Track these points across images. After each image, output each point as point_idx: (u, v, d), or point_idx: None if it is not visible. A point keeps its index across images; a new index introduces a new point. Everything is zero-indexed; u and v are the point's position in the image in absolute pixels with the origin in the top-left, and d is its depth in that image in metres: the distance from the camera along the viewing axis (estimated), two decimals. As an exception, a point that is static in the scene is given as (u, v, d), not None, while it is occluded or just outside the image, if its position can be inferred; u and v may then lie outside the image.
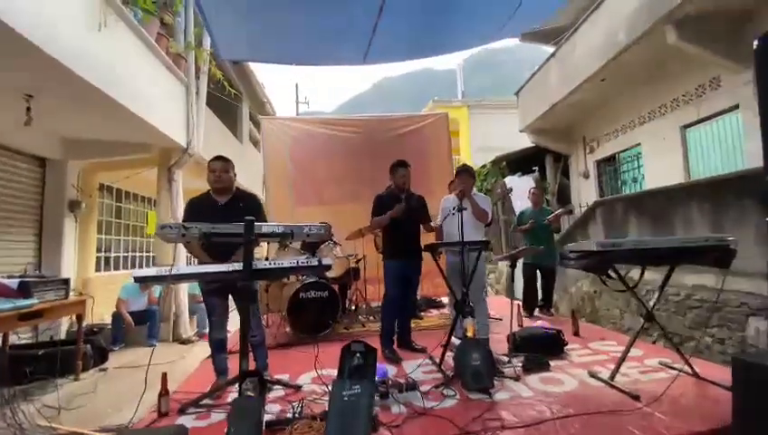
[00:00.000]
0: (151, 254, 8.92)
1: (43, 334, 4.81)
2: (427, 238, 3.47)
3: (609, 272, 2.43)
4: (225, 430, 1.64)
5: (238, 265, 2.13)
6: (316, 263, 2.26)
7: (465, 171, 3.36)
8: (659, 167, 6.74)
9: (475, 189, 3.34)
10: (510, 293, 8.77)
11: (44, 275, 3.95)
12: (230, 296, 2.74)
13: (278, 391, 2.51)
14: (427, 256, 3.21)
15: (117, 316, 5.40)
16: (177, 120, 6.00)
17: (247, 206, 2.64)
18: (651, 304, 2.59)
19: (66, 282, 3.92)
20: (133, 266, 8.10)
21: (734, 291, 3.45)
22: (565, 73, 7.70)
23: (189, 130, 6.23)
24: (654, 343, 4.04)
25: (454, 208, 2.87)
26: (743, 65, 4.93)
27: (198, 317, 6.21)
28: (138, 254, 8.41)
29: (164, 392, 2.25)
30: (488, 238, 3.32)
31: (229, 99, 7.94)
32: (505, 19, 4.55)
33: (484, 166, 11.94)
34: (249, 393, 1.82)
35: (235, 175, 2.77)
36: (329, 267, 2.34)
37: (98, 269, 6.85)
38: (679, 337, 4.00)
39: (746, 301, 3.37)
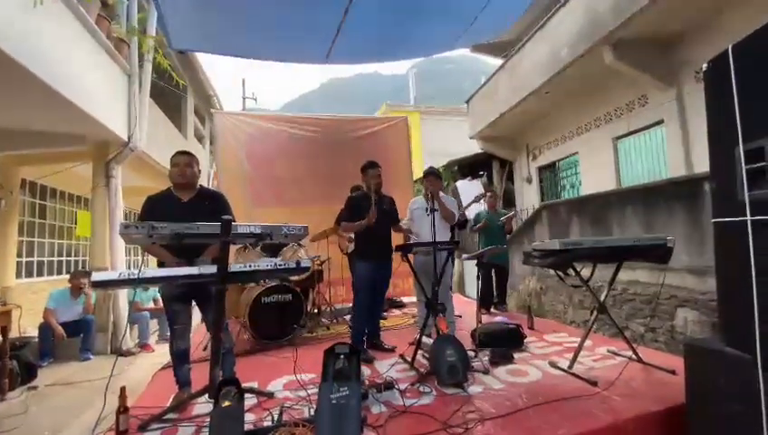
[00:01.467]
0: (80, 258, 8.08)
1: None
2: (396, 239, 3.51)
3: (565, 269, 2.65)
4: (208, 443, 1.55)
5: (211, 268, 2.02)
6: (294, 265, 2.21)
7: (432, 174, 3.46)
8: (594, 174, 7.41)
9: (441, 192, 3.45)
10: (462, 290, 9.12)
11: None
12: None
13: (250, 400, 2.40)
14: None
15: (44, 328, 4.81)
16: (118, 110, 5.52)
17: (214, 205, 2.49)
18: (602, 297, 2.84)
19: (-14, 290, 3.44)
20: (59, 273, 7.28)
21: (665, 285, 3.90)
22: (513, 85, 8.20)
23: (131, 123, 5.75)
24: (595, 332, 4.43)
25: (427, 210, 2.94)
26: (667, 85, 5.60)
27: (139, 327, 5.72)
28: (65, 258, 7.57)
29: (123, 409, 2.04)
30: (458, 239, 3.44)
31: (177, 89, 7.42)
32: (461, 32, 4.77)
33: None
34: (227, 402, 1.73)
35: (199, 171, 2.61)
36: (307, 269, 2.30)
37: (18, 276, 6.07)
38: (616, 328, 4.43)
39: (675, 293, 3.83)
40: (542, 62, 7.06)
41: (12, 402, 3.56)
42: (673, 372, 2.44)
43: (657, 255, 2.56)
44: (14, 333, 4.28)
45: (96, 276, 1.78)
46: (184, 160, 2.51)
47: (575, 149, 8.03)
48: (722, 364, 1.57)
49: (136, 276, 1.75)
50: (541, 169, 9.41)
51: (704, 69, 1.65)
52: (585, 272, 2.73)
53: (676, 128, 5.64)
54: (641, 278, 4.37)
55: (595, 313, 2.78)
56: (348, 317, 4.73)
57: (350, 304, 4.97)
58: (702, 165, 5.12)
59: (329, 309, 4.81)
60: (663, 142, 6.03)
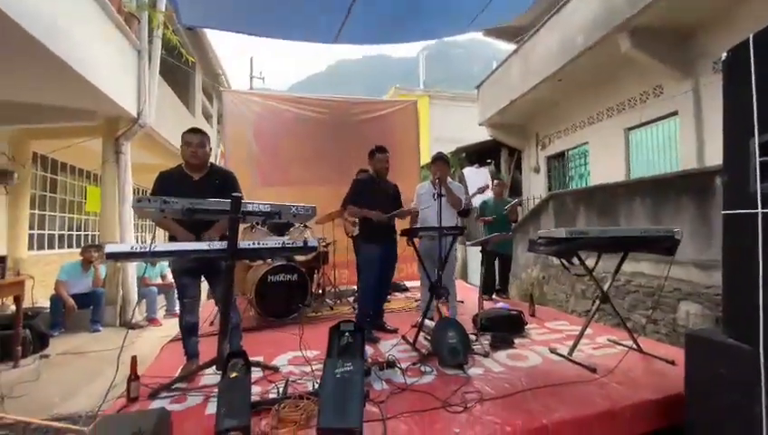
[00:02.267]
0: (89, 233, 8.21)
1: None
2: (400, 224, 3.53)
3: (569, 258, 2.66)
4: (216, 410, 1.61)
5: (221, 244, 2.06)
6: (302, 244, 2.24)
7: (440, 159, 3.44)
8: (604, 165, 7.33)
9: (449, 178, 3.44)
10: (465, 277, 9.16)
11: (-25, 252, 3.50)
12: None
13: (256, 373, 2.47)
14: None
15: (56, 299, 4.94)
16: (128, 86, 5.51)
17: (224, 183, 2.52)
18: (606, 287, 2.86)
19: (2, 260, 3.52)
20: (70, 246, 7.41)
21: (669, 277, 3.90)
22: (525, 71, 8.05)
23: (141, 99, 5.75)
24: (596, 321, 4.46)
25: (434, 195, 2.95)
26: (684, 75, 5.47)
27: (148, 301, 5.85)
28: (75, 232, 7.70)
29: (134, 377, 2.12)
30: (464, 225, 3.45)
31: (186, 66, 7.38)
32: (475, 13, 4.67)
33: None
34: (235, 374, 1.79)
35: (210, 149, 2.63)
36: (314, 249, 2.33)
37: (30, 248, 6.19)
38: (616, 318, 4.47)
39: (679, 287, 3.84)
40: (556, 49, 6.92)
41: (24, 370, 3.68)
42: (672, 363, 2.46)
43: (664, 247, 2.56)
44: (26, 304, 4.39)
45: (109, 248, 1.82)
46: (196, 140, 2.50)
47: (585, 139, 7.93)
48: (724, 355, 1.59)
49: (148, 250, 1.79)
50: (549, 159, 9.32)
51: (723, 58, 1.62)
52: (590, 262, 2.74)
53: (690, 120, 5.53)
54: (645, 270, 4.37)
55: (597, 302, 2.80)
56: (351, 299, 4.81)
57: (354, 287, 5.07)
58: (714, 159, 5.04)
59: (333, 290, 4.88)
60: (676, 135, 5.93)
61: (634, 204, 4.65)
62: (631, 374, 2.37)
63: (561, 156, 8.93)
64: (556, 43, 6.96)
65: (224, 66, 11.25)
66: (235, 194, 1.94)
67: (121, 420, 1.69)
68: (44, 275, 5.57)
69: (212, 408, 2.00)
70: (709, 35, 5.27)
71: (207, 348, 2.65)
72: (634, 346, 2.78)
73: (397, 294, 5.34)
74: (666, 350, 2.80)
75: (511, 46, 10.22)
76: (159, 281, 6.21)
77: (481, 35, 11.41)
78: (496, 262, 5.16)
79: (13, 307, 4.04)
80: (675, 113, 5.85)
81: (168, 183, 2.43)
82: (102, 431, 1.46)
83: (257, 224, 4.25)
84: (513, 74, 8.57)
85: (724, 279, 1.74)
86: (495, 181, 5.39)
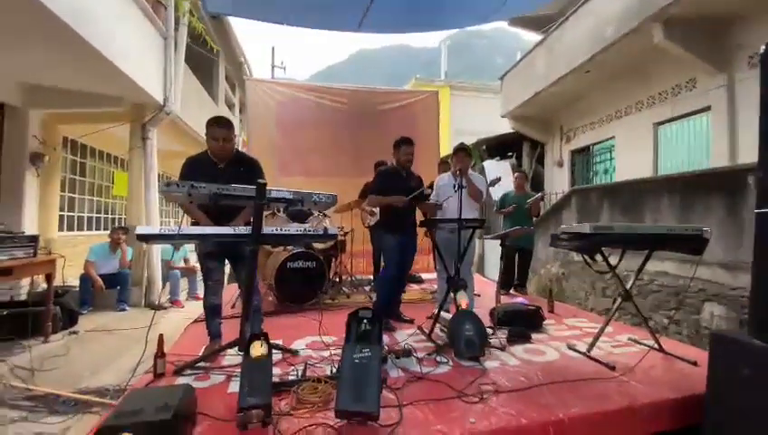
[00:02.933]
0: (116, 216, 8.49)
1: (3, 294, 4.53)
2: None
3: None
4: (239, 388, 1.67)
5: (245, 229, 2.11)
6: (322, 232, 2.27)
7: (462, 150, 3.41)
8: (630, 160, 7.12)
9: (470, 169, 3.41)
10: (482, 270, 9.12)
11: (11, 230, 3.68)
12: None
13: (276, 356, 2.53)
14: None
15: (85, 279, 5.16)
16: (154, 73, 5.64)
17: (249, 170, 2.55)
18: (629, 286, 2.80)
19: (34, 239, 3.69)
20: (98, 229, 7.69)
21: (694, 278, 3.79)
22: (551, 62, 7.85)
23: (166, 86, 5.88)
24: (616, 320, 4.38)
25: (455, 186, 2.93)
26: (718, 69, 5.24)
27: (171, 284, 6.04)
28: (103, 215, 7.98)
29: (161, 354, 2.21)
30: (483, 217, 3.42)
31: (210, 54, 7.49)
32: (501, 1, 4.57)
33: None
34: (258, 354, 1.84)
35: (235, 137, 2.67)
36: (335, 237, 2.36)
37: (60, 229, 6.45)
38: (637, 317, 4.37)
39: (704, 288, 3.72)
40: (585, 39, 6.70)
41: (54, 345, 3.86)
42: (695, 364, 2.41)
43: (692, 246, 2.48)
44: (56, 282, 4.61)
45: (140, 230, 1.89)
46: (223, 135, 2.48)
47: (612, 134, 7.71)
48: (750, 357, 1.55)
49: (176, 232, 1.85)
50: (573, 153, 9.10)
51: (761, 51, 1.55)
52: (612, 260, 2.68)
53: (723, 116, 5.30)
54: (669, 270, 4.25)
55: (619, 299, 2.74)
56: (367, 288, 4.85)
57: (370, 276, 5.10)
58: (747, 157, 4.83)
59: (350, 279, 4.93)
60: (708, 131, 5.70)
61: (661, 201, 4.51)
62: (652, 374, 2.33)
63: (585, 150, 8.72)
64: (585, 33, 6.74)
65: (246, 55, 11.35)
66: (260, 181, 1.98)
67: (150, 393, 1.76)
68: (73, 256, 5.80)
69: (234, 386, 2.07)
70: (746, 27, 5.02)
71: (229, 330, 2.74)
72: (655, 346, 2.73)
73: (412, 285, 5.35)
74: (688, 350, 2.74)
75: (537, 36, 9.97)
76: (182, 265, 6.40)
77: (506, 25, 11.16)
78: (516, 256, 5.09)
79: (44, 285, 4.24)
80: (707, 108, 5.62)
81: (195, 169, 2.49)
82: (133, 403, 1.54)
83: (278, 211, 4.32)
84: (539, 65, 8.36)
85: (753, 280, 1.68)
86: (517, 174, 5.27)
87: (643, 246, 2.57)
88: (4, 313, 3.69)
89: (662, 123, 6.52)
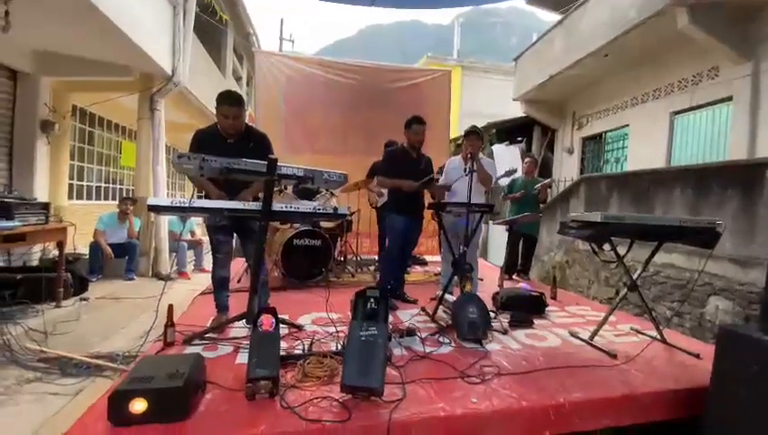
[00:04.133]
0: (124, 186, 8.54)
1: (16, 260, 4.62)
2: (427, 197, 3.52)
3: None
4: (248, 359, 1.71)
5: (256, 205, 2.11)
6: (332, 211, 2.27)
7: (473, 133, 3.35)
8: (643, 150, 6.99)
9: (480, 153, 3.37)
10: (485, 255, 9.13)
11: (24, 197, 3.71)
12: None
13: (282, 329, 2.57)
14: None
15: (94, 247, 5.24)
16: (163, 43, 5.55)
17: (258, 145, 2.54)
18: (635, 276, 2.79)
19: (46, 206, 3.74)
20: (106, 198, 7.75)
21: (702, 271, 3.77)
22: (569, 44, 7.61)
23: (175, 57, 5.79)
24: (619, 309, 4.40)
25: (465, 170, 2.90)
26: (743, 58, 5.06)
27: (178, 255, 6.12)
28: (111, 185, 8.02)
29: (170, 324, 2.26)
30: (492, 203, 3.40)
31: (219, 24, 7.34)
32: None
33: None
34: (266, 328, 1.88)
35: (245, 112, 2.64)
36: (344, 216, 2.36)
37: (70, 197, 6.51)
38: (640, 308, 4.39)
39: (711, 281, 3.71)
40: (606, 21, 6.47)
41: (66, 310, 3.96)
42: (697, 356, 2.42)
43: (703, 239, 2.46)
44: (67, 249, 4.69)
45: (151, 201, 1.90)
46: (233, 112, 2.44)
47: (626, 121, 7.54)
48: (758, 352, 1.55)
49: (187, 204, 1.86)
50: (585, 140, 8.94)
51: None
52: (619, 250, 2.66)
53: (745, 107, 5.15)
54: (676, 262, 4.23)
55: (625, 289, 2.74)
56: (372, 268, 4.89)
57: (375, 256, 5.13)
58: (767, 151, 4.72)
59: (355, 258, 4.96)
60: (727, 122, 5.56)
61: (673, 193, 4.44)
62: (653, 364, 2.35)
63: (597, 137, 8.56)
64: (606, 14, 6.50)
65: (254, 26, 11.11)
66: (271, 156, 1.96)
67: (162, 360, 1.81)
68: (82, 224, 5.87)
69: (241, 358, 2.13)
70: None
71: (235, 303, 2.79)
72: (658, 337, 2.74)
73: (416, 267, 5.39)
74: (690, 343, 2.75)
75: (554, 17, 9.63)
76: (189, 237, 6.47)
77: (522, 3, 10.74)
78: (520, 242, 5.09)
79: (55, 252, 4.31)
80: (729, 99, 5.46)
81: (205, 142, 2.47)
82: (145, 369, 1.58)
83: (285, 188, 4.31)
84: (556, 47, 8.12)
85: (768, 275, 1.67)
86: (527, 159, 5.20)
87: (653, 237, 2.55)
88: (19, 277, 3.77)
89: (680, 112, 6.36)
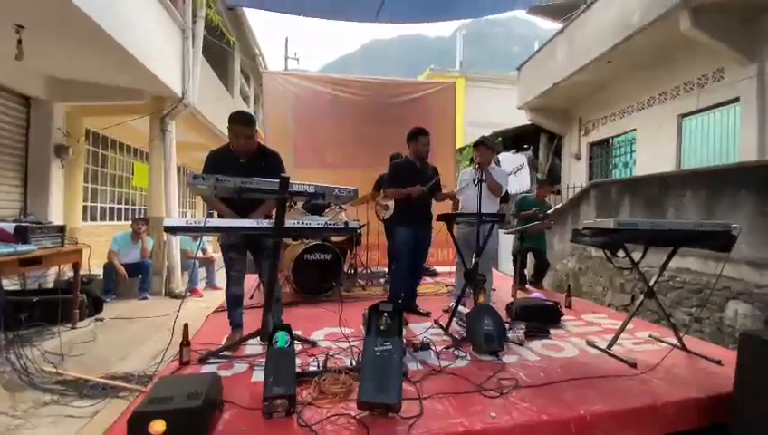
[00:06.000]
0: (137, 207, 8.68)
1: (31, 283, 4.69)
2: (439, 208, 3.52)
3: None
4: (264, 377, 1.71)
5: (268, 222, 2.14)
6: (342, 225, 2.28)
7: (482, 144, 3.38)
8: (652, 153, 6.93)
9: (493, 163, 3.38)
10: (496, 265, 9.05)
11: (40, 221, 3.79)
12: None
13: (296, 346, 2.57)
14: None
15: (109, 268, 5.31)
16: (173, 66, 5.70)
17: (270, 164, 2.57)
18: (651, 283, 2.75)
19: (62, 229, 3.81)
20: (119, 219, 7.88)
21: (719, 276, 3.70)
22: (572, 51, 7.65)
23: (185, 79, 5.94)
24: (635, 317, 4.31)
25: (475, 180, 2.90)
26: (749, 59, 5.03)
27: (190, 273, 6.17)
28: (124, 206, 8.16)
29: (186, 343, 2.27)
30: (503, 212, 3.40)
31: (227, 46, 7.53)
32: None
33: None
34: (282, 346, 1.88)
35: (257, 132, 2.69)
36: (355, 230, 2.37)
37: (84, 219, 6.63)
38: (657, 314, 4.30)
39: (728, 285, 3.63)
40: (609, 28, 6.51)
41: (82, 331, 3.99)
42: (719, 363, 2.36)
43: (719, 242, 2.42)
44: (82, 271, 4.76)
45: (167, 222, 1.93)
46: (246, 133, 2.48)
47: (633, 126, 7.51)
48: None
49: (202, 224, 1.89)
50: (592, 146, 8.91)
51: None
52: (633, 256, 2.63)
53: (752, 108, 5.11)
54: (692, 266, 4.15)
55: (642, 296, 2.70)
56: (383, 281, 4.87)
57: (385, 269, 5.12)
58: (778, 150, 4.67)
59: (365, 271, 4.96)
60: (736, 123, 5.51)
61: (685, 196, 4.39)
62: (675, 372, 2.30)
63: (605, 143, 8.53)
64: (608, 21, 6.54)
65: (261, 47, 11.36)
66: (283, 175, 1.99)
67: (179, 380, 1.82)
68: (96, 245, 5.97)
69: (257, 375, 2.12)
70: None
71: (249, 320, 2.79)
72: (678, 344, 2.68)
73: (427, 278, 5.36)
74: (711, 349, 2.68)
75: (555, 25, 9.71)
76: (200, 255, 6.53)
77: (523, 13, 10.86)
78: (529, 255, 5.07)
79: (70, 273, 4.37)
80: (736, 100, 5.42)
81: (218, 162, 2.52)
82: (163, 390, 1.59)
83: (295, 203, 4.35)
84: (559, 55, 8.16)
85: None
86: (544, 186, 5.27)
87: (668, 242, 2.52)
88: (35, 299, 3.82)
89: (687, 115, 6.32)
